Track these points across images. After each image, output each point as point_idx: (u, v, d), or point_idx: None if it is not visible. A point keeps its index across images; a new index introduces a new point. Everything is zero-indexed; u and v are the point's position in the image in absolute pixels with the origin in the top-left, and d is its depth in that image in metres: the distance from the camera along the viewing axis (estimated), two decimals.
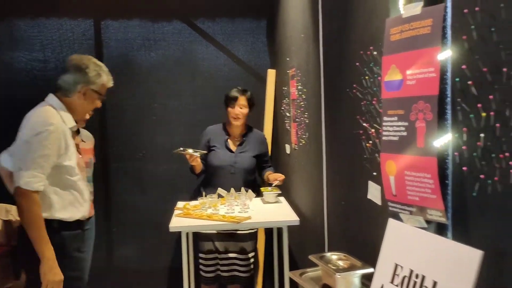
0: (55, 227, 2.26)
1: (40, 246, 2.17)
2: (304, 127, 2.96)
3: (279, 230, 3.38)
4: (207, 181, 3.58)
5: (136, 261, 4.06)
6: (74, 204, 2.35)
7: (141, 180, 4.06)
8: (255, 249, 3.57)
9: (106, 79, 2.46)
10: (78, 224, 2.39)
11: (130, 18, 4.01)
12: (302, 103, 3.00)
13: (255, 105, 3.67)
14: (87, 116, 3.09)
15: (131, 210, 4.05)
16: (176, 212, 3.12)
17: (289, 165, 3.62)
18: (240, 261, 3.40)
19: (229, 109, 3.55)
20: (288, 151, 3.63)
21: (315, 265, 1.77)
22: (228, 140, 3.58)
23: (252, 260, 3.46)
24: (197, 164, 3.41)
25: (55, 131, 2.20)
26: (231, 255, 3.39)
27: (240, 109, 3.53)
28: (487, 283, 1.14)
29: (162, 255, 4.09)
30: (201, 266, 3.43)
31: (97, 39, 3.99)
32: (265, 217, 3.02)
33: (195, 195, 3.83)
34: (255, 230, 3.49)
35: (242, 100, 3.53)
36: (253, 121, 4.07)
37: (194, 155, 3.33)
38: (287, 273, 2.81)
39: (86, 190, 2.45)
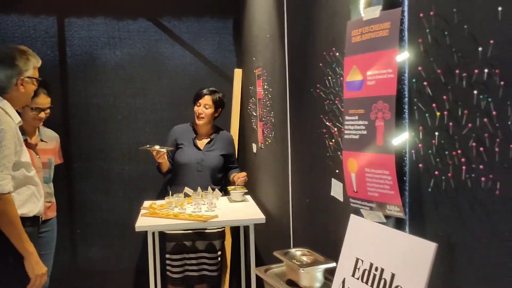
0: None
1: (23, 244, 2.20)
2: (270, 126, 3.00)
3: (246, 228, 3.41)
4: (174, 179, 3.57)
5: (101, 262, 4.01)
6: (32, 198, 2.35)
7: (105, 179, 4.02)
8: (222, 248, 3.59)
9: (35, 61, 2.40)
10: (35, 220, 2.38)
11: (94, 15, 3.96)
12: (268, 102, 3.04)
13: (224, 107, 3.69)
14: (43, 115, 3.05)
15: (95, 211, 4.00)
16: (142, 211, 3.10)
17: (255, 164, 3.66)
18: (208, 260, 3.41)
19: (195, 107, 3.57)
20: (254, 150, 3.66)
21: (280, 261, 1.80)
22: (196, 138, 3.59)
23: (219, 258, 3.48)
24: (164, 161, 3.41)
25: (9, 130, 2.17)
26: (199, 254, 3.40)
27: (204, 109, 3.53)
28: (441, 274, 1.19)
29: (127, 256, 4.05)
30: (168, 267, 3.42)
31: (60, 36, 3.92)
32: (232, 215, 3.05)
33: (161, 195, 3.82)
34: (223, 228, 3.51)
35: (207, 100, 3.54)
36: (221, 120, 4.09)
37: (161, 151, 3.32)
38: (253, 270, 2.84)
39: (41, 185, 2.45)
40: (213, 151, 3.57)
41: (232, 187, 3.47)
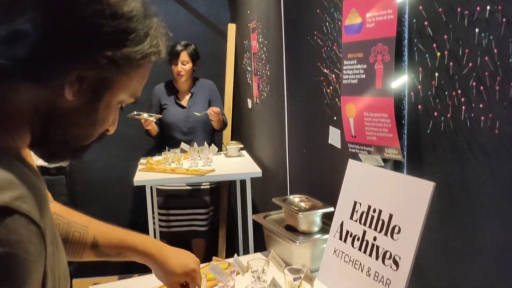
0: None
1: None
2: (266, 80, 2.97)
3: (242, 183, 3.44)
4: (165, 140, 3.53)
5: (101, 219, 4.04)
6: None
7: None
8: (215, 204, 3.62)
9: None
10: None
11: None
12: (263, 55, 3.00)
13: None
14: None
15: (94, 169, 4.00)
16: (140, 167, 3.12)
17: (251, 120, 3.65)
18: (199, 215, 3.46)
19: (173, 66, 3.49)
20: (250, 106, 3.65)
21: (278, 209, 1.83)
22: (178, 96, 3.55)
23: (211, 213, 3.54)
24: (152, 128, 3.39)
25: None
26: (189, 210, 3.45)
27: (183, 66, 3.46)
28: (438, 214, 1.22)
29: (127, 212, 4.08)
30: (160, 223, 3.47)
31: None
32: (228, 170, 3.07)
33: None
34: (215, 185, 3.54)
35: (184, 56, 3.46)
36: (215, 77, 4.06)
37: (149, 120, 3.27)
38: (250, 219, 2.88)
39: None
40: (197, 105, 3.53)
41: (230, 142, 3.49)
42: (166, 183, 3.27)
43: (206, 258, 1.77)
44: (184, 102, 3.56)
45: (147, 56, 0.73)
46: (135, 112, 3.25)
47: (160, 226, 3.47)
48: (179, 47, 3.46)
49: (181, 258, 1.16)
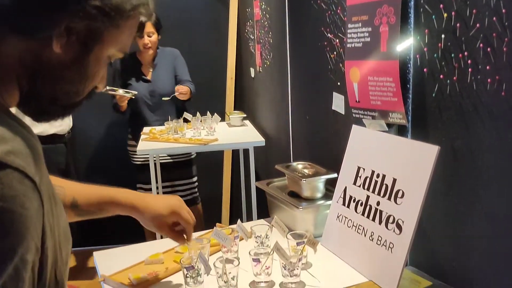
0: None
1: None
2: (269, 48, 2.94)
3: (246, 152, 3.44)
4: (133, 117, 3.43)
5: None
6: None
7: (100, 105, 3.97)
8: (196, 174, 3.64)
9: None
10: None
11: None
12: (266, 23, 2.96)
13: (218, 30, 3.53)
14: None
15: (96, 138, 4.00)
16: (143, 137, 3.11)
17: (253, 89, 3.63)
18: (183, 186, 3.52)
19: (137, 39, 3.24)
20: (252, 75, 3.62)
21: (281, 177, 1.83)
22: (141, 69, 3.40)
23: (195, 184, 3.59)
24: (125, 104, 3.27)
25: None
26: (174, 182, 3.49)
27: (149, 38, 3.28)
28: (442, 178, 1.21)
29: (130, 182, 4.09)
30: None
31: None
32: (231, 139, 3.06)
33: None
34: (194, 155, 3.54)
35: (149, 27, 3.26)
36: (217, 46, 4.01)
37: (125, 96, 3.16)
38: (253, 187, 2.89)
39: None
40: (160, 76, 3.40)
41: (233, 112, 3.47)
42: (169, 152, 3.28)
43: (209, 225, 1.78)
44: (148, 74, 3.41)
45: (137, 8, 0.71)
46: (108, 87, 3.08)
47: None
48: (142, 18, 3.32)
49: (163, 200, 1.17)
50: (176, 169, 3.50)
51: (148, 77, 3.40)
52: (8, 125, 0.59)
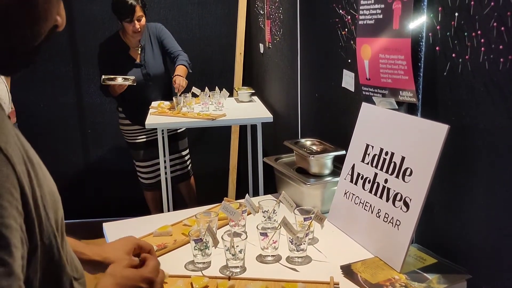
0: None
1: None
2: (279, 23, 2.91)
3: (253, 128, 3.45)
4: (125, 101, 3.32)
5: (112, 161, 4.10)
6: None
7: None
8: (187, 147, 3.61)
9: None
10: None
11: None
12: None
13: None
14: None
15: (104, 112, 4.01)
16: (151, 110, 3.12)
17: (263, 64, 3.61)
18: (178, 159, 3.51)
19: (125, 24, 3.09)
20: (262, 50, 3.59)
21: (289, 152, 1.84)
22: (129, 53, 3.26)
23: (188, 156, 3.57)
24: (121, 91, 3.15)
25: None
26: (172, 156, 3.46)
27: (139, 23, 3.09)
28: (451, 156, 1.21)
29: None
30: (139, 174, 3.49)
31: None
32: (239, 114, 3.07)
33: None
34: (184, 128, 3.50)
35: (139, 11, 3.08)
36: (226, 21, 3.98)
37: (124, 84, 3.04)
38: (260, 163, 2.91)
39: None
40: (151, 57, 3.28)
41: (241, 87, 3.45)
42: (177, 126, 3.29)
43: (216, 200, 1.79)
44: (137, 56, 3.27)
45: None
46: (104, 77, 2.99)
47: (143, 178, 3.48)
48: (132, 2, 3.02)
49: (117, 244, 1.03)
50: (171, 143, 3.44)
51: (138, 61, 3.27)
52: None
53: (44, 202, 0.64)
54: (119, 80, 3.03)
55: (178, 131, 3.47)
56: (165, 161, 3.22)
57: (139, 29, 3.11)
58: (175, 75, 3.15)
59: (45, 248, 0.64)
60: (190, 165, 3.64)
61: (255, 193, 3.35)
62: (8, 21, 0.61)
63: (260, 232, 1.34)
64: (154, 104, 3.29)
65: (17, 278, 0.55)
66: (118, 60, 3.24)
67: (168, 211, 3.12)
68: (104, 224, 1.64)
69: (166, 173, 3.27)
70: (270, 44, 3.24)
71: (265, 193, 2.71)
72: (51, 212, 0.66)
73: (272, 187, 1.94)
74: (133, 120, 3.32)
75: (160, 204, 3.34)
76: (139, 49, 3.27)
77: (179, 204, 3.52)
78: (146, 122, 2.87)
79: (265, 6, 3.30)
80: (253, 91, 3.48)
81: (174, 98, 3.18)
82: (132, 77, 3.08)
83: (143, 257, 0.94)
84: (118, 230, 1.58)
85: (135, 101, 3.28)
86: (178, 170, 3.55)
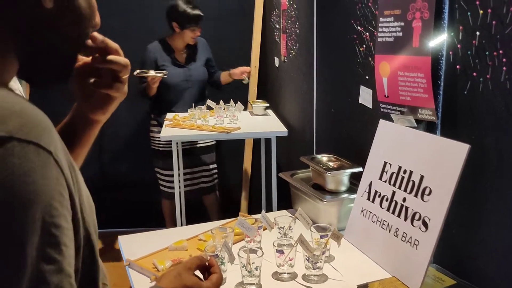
0: None
1: None
2: (295, 38, 2.92)
3: (267, 141, 3.44)
4: (159, 101, 3.42)
5: (128, 175, 4.11)
6: None
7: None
8: (215, 161, 3.65)
9: None
10: None
11: None
12: (293, 13, 2.94)
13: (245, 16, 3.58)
14: None
15: (121, 125, 4.04)
16: (166, 123, 3.14)
17: (278, 78, 3.62)
18: (204, 172, 3.54)
19: (187, 31, 3.31)
20: (277, 64, 3.60)
21: (303, 168, 1.83)
22: (175, 55, 3.43)
23: (215, 171, 3.61)
24: (156, 86, 3.25)
25: None
26: (193, 169, 3.49)
27: (200, 29, 3.36)
28: (471, 176, 1.20)
29: (153, 168, 4.13)
30: (162, 182, 3.52)
31: None
32: (254, 128, 3.07)
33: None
34: (213, 142, 3.57)
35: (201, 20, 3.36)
36: (241, 34, 4.00)
37: (157, 77, 3.14)
38: (274, 178, 2.90)
39: None
40: (196, 63, 3.46)
41: (256, 100, 3.47)
42: (192, 139, 3.31)
43: (228, 215, 1.79)
44: (182, 60, 3.45)
45: None
46: (138, 70, 3.03)
47: (167, 187, 3.50)
48: (199, 12, 3.29)
49: (171, 272, 0.96)
50: (196, 156, 3.52)
51: (183, 62, 3.45)
52: (15, 99, 0.59)
53: (83, 207, 0.65)
54: (152, 72, 3.14)
55: (207, 144, 3.51)
56: (179, 174, 3.23)
57: (198, 35, 3.38)
58: (231, 70, 3.47)
59: (86, 250, 0.66)
60: (217, 180, 3.67)
61: (268, 208, 3.33)
62: (56, 27, 0.66)
63: (276, 249, 1.33)
64: (169, 116, 3.31)
65: (67, 276, 0.57)
66: (162, 59, 3.40)
67: (181, 225, 3.12)
68: (119, 237, 1.65)
69: (180, 187, 3.27)
70: (285, 58, 3.24)
71: (278, 208, 2.70)
72: (88, 217, 0.67)
73: (285, 202, 1.93)
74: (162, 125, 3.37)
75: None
76: (185, 53, 3.46)
77: (202, 215, 3.54)
78: (161, 134, 2.89)
79: (281, 21, 3.32)
80: (268, 105, 3.48)
81: (189, 110, 3.20)
82: (165, 72, 3.19)
83: (212, 270, 0.97)
84: (134, 243, 1.58)
85: (170, 102, 3.38)
86: (203, 183, 3.57)
